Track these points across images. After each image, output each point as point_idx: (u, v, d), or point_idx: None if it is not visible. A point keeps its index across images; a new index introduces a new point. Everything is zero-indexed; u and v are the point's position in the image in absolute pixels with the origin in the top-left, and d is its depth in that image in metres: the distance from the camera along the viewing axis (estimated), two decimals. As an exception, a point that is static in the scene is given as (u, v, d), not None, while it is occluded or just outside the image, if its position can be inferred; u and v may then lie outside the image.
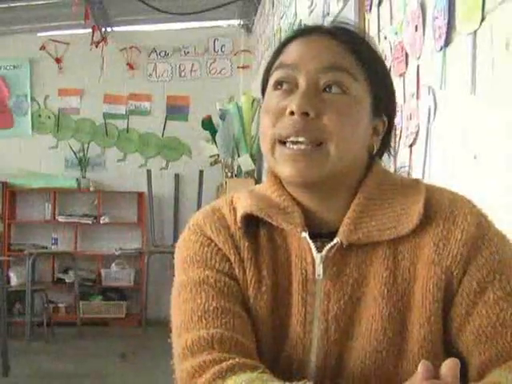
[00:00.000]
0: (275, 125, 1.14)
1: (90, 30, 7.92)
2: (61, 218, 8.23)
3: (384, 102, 1.22)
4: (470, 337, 1.10)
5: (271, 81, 1.19)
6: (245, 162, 6.15)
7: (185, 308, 1.15)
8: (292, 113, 1.12)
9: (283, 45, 1.22)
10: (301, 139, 1.12)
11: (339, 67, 1.15)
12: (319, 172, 1.13)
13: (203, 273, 1.18)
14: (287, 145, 1.13)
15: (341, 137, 1.13)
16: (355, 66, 1.16)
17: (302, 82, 1.14)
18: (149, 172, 8.40)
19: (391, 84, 1.26)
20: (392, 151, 1.31)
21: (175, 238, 7.04)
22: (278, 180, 1.23)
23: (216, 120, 6.67)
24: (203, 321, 1.12)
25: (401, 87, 2.69)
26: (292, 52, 1.18)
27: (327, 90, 1.14)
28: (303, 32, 1.22)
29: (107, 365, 6.01)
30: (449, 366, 0.88)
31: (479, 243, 1.12)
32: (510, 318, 1.08)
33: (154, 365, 5.39)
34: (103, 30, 8.17)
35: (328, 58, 1.15)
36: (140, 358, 6.30)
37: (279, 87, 1.17)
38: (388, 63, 2.89)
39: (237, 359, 1.04)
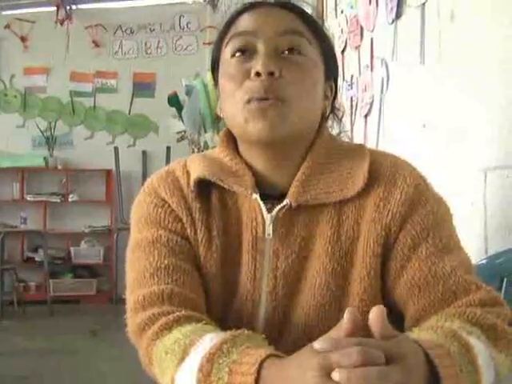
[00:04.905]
0: (241, 87, 1.19)
1: (55, 8, 7.86)
2: (29, 197, 8.20)
3: (332, 67, 1.30)
4: (404, 289, 1.17)
5: (228, 50, 1.24)
6: (211, 137, 6.18)
7: (138, 265, 1.22)
8: (258, 74, 1.17)
9: (233, 18, 1.27)
10: (269, 97, 1.16)
11: (295, 31, 1.22)
12: (286, 127, 1.18)
13: (156, 232, 1.24)
14: (254, 102, 1.17)
15: (302, 94, 1.19)
16: (307, 32, 1.24)
17: (261, 46, 1.20)
18: (116, 149, 8.38)
19: (334, 50, 1.33)
20: (339, 116, 1.37)
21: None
22: (231, 144, 1.29)
23: (182, 96, 6.67)
24: (155, 278, 1.18)
25: (356, 60, 2.76)
26: (246, 21, 1.24)
27: (286, 52, 1.20)
28: (253, 5, 1.27)
29: (79, 341, 6.05)
30: (375, 313, 0.88)
31: (416, 203, 1.19)
32: (442, 271, 1.15)
33: (124, 340, 5.39)
34: (68, 7, 8.10)
35: (284, 23, 1.22)
36: (111, 334, 6.32)
37: (237, 55, 1.22)
38: (344, 36, 2.96)
39: (183, 312, 1.11)
